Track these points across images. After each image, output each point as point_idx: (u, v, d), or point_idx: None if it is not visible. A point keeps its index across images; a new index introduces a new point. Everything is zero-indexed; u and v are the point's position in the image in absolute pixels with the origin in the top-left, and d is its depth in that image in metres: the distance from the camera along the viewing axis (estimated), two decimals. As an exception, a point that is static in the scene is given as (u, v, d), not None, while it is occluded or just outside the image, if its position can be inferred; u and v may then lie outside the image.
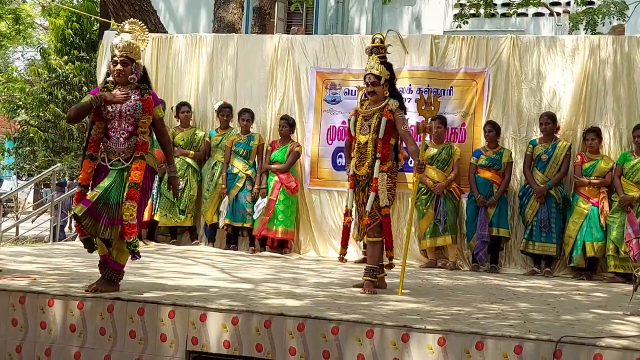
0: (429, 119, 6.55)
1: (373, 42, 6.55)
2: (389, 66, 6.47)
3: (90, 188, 5.61)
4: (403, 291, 6.30)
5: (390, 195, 6.38)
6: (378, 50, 6.47)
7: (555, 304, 6.19)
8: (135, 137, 5.62)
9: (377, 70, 6.36)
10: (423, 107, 6.52)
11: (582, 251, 8.29)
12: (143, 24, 5.90)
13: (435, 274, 8.11)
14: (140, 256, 5.64)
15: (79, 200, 5.55)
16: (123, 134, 5.61)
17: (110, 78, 5.69)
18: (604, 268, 8.39)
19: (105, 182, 5.54)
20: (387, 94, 6.41)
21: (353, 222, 8.79)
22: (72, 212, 5.62)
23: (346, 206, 6.66)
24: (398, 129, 6.36)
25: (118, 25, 11.26)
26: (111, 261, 5.65)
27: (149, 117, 5.66)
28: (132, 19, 6.07)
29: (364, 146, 6.39)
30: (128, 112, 5.61)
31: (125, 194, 5.51)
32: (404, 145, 6.68)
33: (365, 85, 6.48)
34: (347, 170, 6.71)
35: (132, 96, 5.63)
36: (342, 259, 6.74)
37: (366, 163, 6.37)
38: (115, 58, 5.63)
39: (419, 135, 6.74)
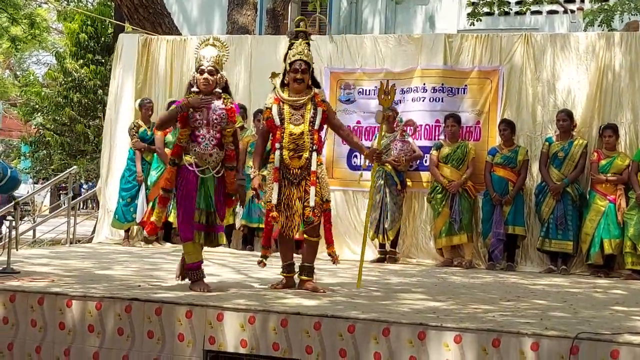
0: (387, 108, 6.38)
1: (298, 26, 6.26)
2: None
3: (171, 192, 5.91)
4: (417, 290, 6.30)
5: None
6: (305, 35, 6.19)
7: (572, 301, 6.16)
8: (222, 146, 5.87)
9: (306, 56, 6.08)
10: (382, 97, 6.31)
11: (600, 248, 8.26)
12: (225, 42, 6.12)
13: (452, 273, 8.10)
14: None
15: (164, 204, 5.94)
16: (212, 140, 5.81)
17: (195, 88, 5.86)
18: (621, 265, 8.36)
19: (202, 199, 5.84)
20: (310, 82, 6.14)
21: (373, 222, 8.77)
22: (198, 241, 5.89)
23: (270, 202, 6.07)
24: (331, 120, 6.17)
25: (133, 29, 11.33)
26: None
27: (234, 125, 5.94)
28: (214, 36, 6.29)
29: (300, 137, 6.01)
30: (216, 121, 5.82)
31: (225, 202, 5.97)
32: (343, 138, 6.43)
33: (292, 72, 6.07)
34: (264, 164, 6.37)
35: (218, 105, 5.85)
36: (263, 262, 6.28)
37: (303, 155, 6.01)
38: (203, 67, 5.83)
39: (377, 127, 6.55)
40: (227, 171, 5.90)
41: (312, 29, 11.94)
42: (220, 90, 5.90)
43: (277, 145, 6.07)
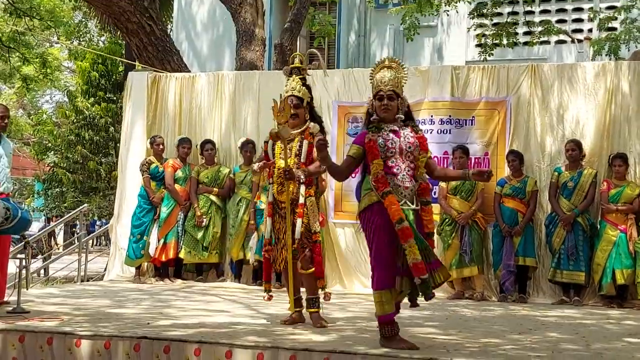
0: (283, 123, 6.14)
1: (292, 62, 6.30)
2: (309, 88, 6.24)
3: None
4: (428, 323, 6.25)
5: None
6: (298, 71, 6.23)
7: (585, 333, 6.11)
8: (416, 178, 5.29)
9: (298, 92, 6.11)
10: (278, 114, 6.10)
11: (612, 279, 8.19)
12: (401, 61, 5.55)
13: (463, 305, 8.04)
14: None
15: (411, 236, 5.03)
16: (409, 171, 5.26)
17: (375, 117, 5.35)
18: (634, 295, 8.27)
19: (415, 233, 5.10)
20: (308, 117, 6.18)
21: None
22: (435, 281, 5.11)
23: (264, 237, 6.28)
24: (312, 152, 6.02)
25: (142, 67, 11.43)
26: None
27: (426, 154, 5.35)
28: (389, 57, 5.66)
29: None
30: (409, 149, 5.26)
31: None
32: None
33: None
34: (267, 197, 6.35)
35: (408, 133, 5.32)
36: (270, 297, 6.28)
37: (290, 189, 6.04)
38: (382, 93, 5.32)
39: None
40: (423, 206, 5.29)
41: (320, 64, 11.96)
42: (403, 116, 5.37)
43: (270, 180, 6.18)
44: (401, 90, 5.39)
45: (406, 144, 5.26)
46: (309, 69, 6.54)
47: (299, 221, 6.01)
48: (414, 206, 5.21)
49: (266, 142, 6.28)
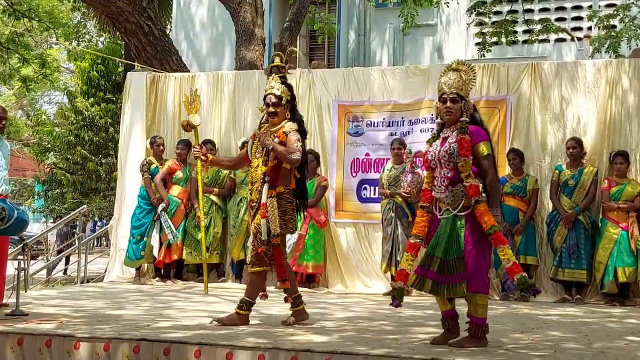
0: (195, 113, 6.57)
1: (272, 61, 6.28)
2: (290, 87, 6.18)
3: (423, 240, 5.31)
4: (429, 323, 6.22)
5: (287, 223, 6.01)
6: (278, 70, 6.17)
7: (587, 331, 6.08)
8: (459, 183, 5.16)
9: (278, 90, 6.05)
10: (190, 106, 6.44)
11: (614, 277, 8.17)
12: (471, 65, 5.43)
13: (465, 304, 7.97)
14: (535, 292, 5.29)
15: (414, 251, 5.31)
16: (443, 181, 5.20)
17: (439, 120, 5.33)
18: (636, 293, 8.25)
19: (434, 241, 5.22)
20: (288, 116, 6.13)
21: (385, 254, 8.79)
22: (411, 284, 5.32)
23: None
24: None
25: (141, 67, 11.38)
26: (471, 316, 5.35)
27: (466, 158, 5.13)
28: (458, 59, 5.54)
29: (255, 170, 6.07)
30: (444, 158, 5.19)
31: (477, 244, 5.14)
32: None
33: (265, 107, 6.12)
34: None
35: (450, 139, 5.22)
36: (264, 295, 6.31)
37: (254, 188, 6.05)
38: (445, 95, 5.24)
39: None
40: (475, 206, 5.11)
41: (321, 63, 11.95)
42: (467, 119, 5.23)
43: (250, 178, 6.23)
44: (466, 93, 5.28)
45: (442, 152, 5.21)
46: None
47: (263, 221, 5.95)
48: (455, 212, 5.16)
49: (245, 143, 6.33)
